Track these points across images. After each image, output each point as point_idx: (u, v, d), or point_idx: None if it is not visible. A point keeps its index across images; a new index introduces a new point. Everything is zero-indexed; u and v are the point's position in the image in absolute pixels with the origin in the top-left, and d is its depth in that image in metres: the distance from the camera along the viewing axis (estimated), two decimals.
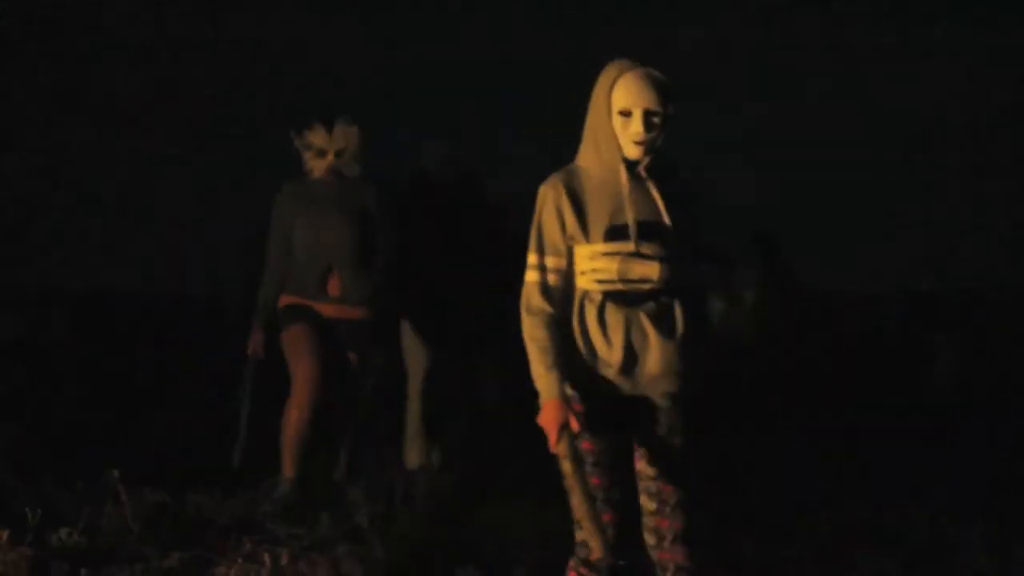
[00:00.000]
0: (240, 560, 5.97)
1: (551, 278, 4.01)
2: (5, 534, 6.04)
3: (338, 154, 6.96)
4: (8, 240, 11.21)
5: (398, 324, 7.79)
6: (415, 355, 7.81)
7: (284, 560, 6.03)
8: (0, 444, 6.53)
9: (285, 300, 7.03)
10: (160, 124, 12.48)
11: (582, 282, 4.01)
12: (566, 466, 3.95)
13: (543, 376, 3.96)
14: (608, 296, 3.98)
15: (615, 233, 3.97)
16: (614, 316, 3.97)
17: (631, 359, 3.98)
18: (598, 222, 3.98)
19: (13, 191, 11.51)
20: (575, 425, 3.96)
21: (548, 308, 3.99)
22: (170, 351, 10.27)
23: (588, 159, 4.07)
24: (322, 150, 6.95)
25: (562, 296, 4.02)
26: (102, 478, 6.66)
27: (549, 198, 4.04)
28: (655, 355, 3.98)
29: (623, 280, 3.97)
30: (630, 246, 3.97)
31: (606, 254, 3.97)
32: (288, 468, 7.03)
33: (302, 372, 6.90)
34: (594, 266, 3.98)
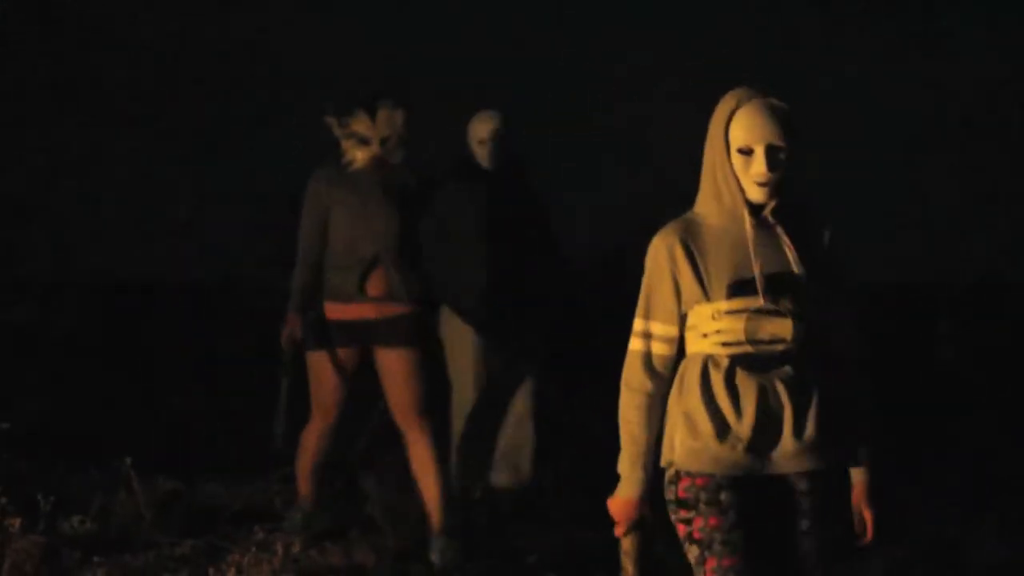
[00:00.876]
0: (253, 548, 5.97)
1: (658, 348, 3.52)
2: (17, 521, 6.04)
3: (383, 142, 6.19)
4: (17, 227, 11.21)
5: (440, 320, 7.32)
6: (465, 355, 7.33)
7: (296, 548, 6.03)
8: (12, 432, 6.51)
9: (327, 307, 6.30)
10: (164, 109, 12.47)
11: (705, 346, 3.50)
12: (626, 566, 3.58)
13: (627, 469, 3.52)
14: (736, 360, 3.47)
15: (740, 288, 3.47)
16: (744, 383, 3.46)
17: (765, 433, 3.46)
18: (721, 277, 3.48)
19: (19, 179, 11.50)
20: (641, 519, 3.55)
21: (650, 385, 3.51)
22: (181, 338, 10.26)
23: (706, 206, 3.55)
24: (366, 139, 6.19)
25: (669, 369, 3.54)
26: (114, 466, 6.66)
27: (661, 255, 3.52)
28: (794, 428, 3.47)
29: (752, 341, 3.46)
30: (758, 302, 3.47)
31: (731, 312, 3.47)
32: (305, 488, 6.51)
33: (326, 399, 6.34)
34: (718, 327, 3.48)
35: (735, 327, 3.46)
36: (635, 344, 3.53)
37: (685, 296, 3.50)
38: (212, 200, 12.12)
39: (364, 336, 6.23)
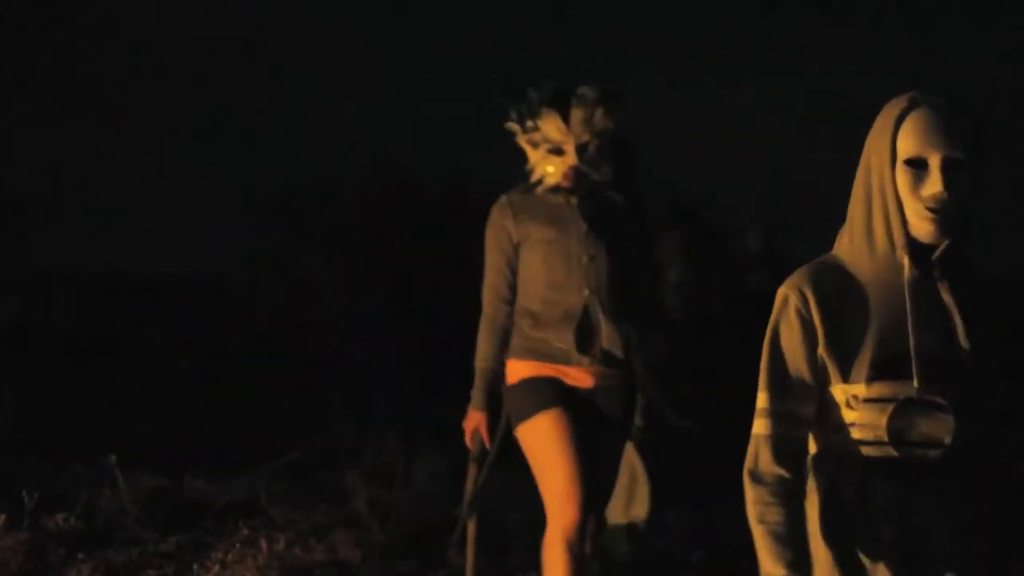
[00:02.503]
0: (238, 544, 5.97)
1: (791, 431, 2.63)
2: (2, 518, 6.05)
3: (581, 150, 4.61)
4: (7, 222, 11.20)
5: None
6: None
7: (281, 545, 6.03)
8: None
9: (518, 369, 4.66)
10: (159, 108, 12.48)
11: (834, 442, 2.63)
12: None
13: None
14: (874, 466, 2.57)
15: (888, 367, 2.55)
16: (883, 497, 2.56)
17: (909, 565, 2.57)
18: (862, 349, 2.57)
19: (10, 176, 11.51)
20: None
21: (785, 474, 2.60)
22: (168, 335, 10.26)
23: (853, 247, 2.64)
24: (558, 147, 4.61)
25: (803, 454, 2.67)
26: (99, 462, 6.65)
27: (791, 310, 2.62)
28: (945, 560, 2.57)
29: (898, 442, 2.55)
30: (910, 389, 2.55)
31: (873, 401, 2.56)
32: None
33: (563, 491, 4.55)
34: (853, 418, 2.58)
35: (877, 421, 2.56)
36: (761, 426, 2.66)
37: (820, 351, 2.62)
38: (205, 198, 12.14)
39: (577, 404, 4.59)
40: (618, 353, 4.58)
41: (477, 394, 4.70)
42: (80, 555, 5.92)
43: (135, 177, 12.37)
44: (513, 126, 4.68)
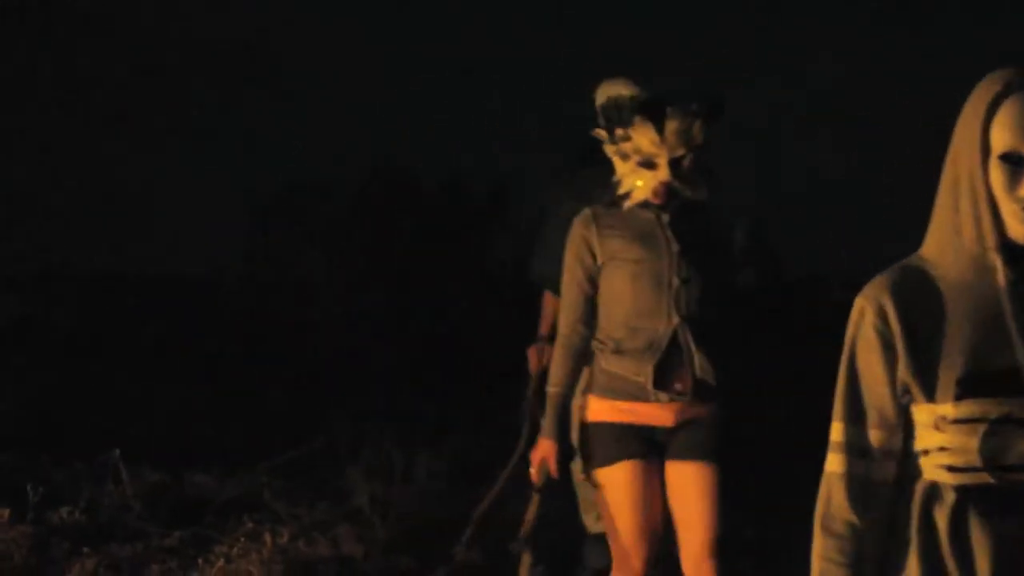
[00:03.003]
0: (241, 539, 5.99)
1: (872, 468, 2.31)
2: (6, 512, 6.06)
3: (675, 165, 4.20)
4: (8, 220, 11.23)
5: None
6: None
7: (284, 539, 6.05)
8: (1, 423, 6.53)
9: (597, 408, 4.29)
10: (157, 107, 12.50)
11: (921, 470, 2.31)
12: None
13: None
14: (968, 495, 2.24)
15: (979, 383, 2.23)
16: (978, 531, 2.24)
17: None
18: (951, 364, 2.24)
19: (9, 174, 11.53)
20: None
21: (860, 522, 2.29)
22: (170, 331, 10.28)
23: (938, 247, 2.32)
24: (649, 160, 4.20)
25: (887, 496, 2.32)
26: (102, 457, 6.67)
27: (868, 326, 2.29)
28: None
29: (993, 467, 2.23)
30: (1005, 407, 2.22)
31: (963, 421, 2.24)
32: None
33: (631, 543, 4.30)
34: (942, 441, 2.26)
35: (968, 444, 2.24)
36: (837, 463, 2.32)
37: (901, 387, 2.29)
38: (204, 197, 12.16)
39: (655, 448, 4.27)
40: (711, 384, 4.16)
41: (549, 423, 4.29)
42: (84, 549, 5.94)
43: (135, 176, 12.39)
44: (601, 134, 4.28)
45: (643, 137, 4.17)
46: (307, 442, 7.44)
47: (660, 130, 4.16)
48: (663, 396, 4.15)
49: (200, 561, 5.80)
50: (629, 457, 4.17)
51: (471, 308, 10.86)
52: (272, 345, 10.18)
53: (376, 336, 10.73)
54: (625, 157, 4.21)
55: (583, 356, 4.27)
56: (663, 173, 4.17)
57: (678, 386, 4.14)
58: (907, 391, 2.28)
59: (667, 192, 4.19)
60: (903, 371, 2.27)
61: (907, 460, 2.32)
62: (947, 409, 2.24)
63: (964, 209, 2.26)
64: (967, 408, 2.23)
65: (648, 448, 4.19)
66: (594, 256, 4.22)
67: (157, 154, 12.48)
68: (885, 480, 2.31)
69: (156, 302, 10.94)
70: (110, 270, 11.45)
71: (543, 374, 4.89)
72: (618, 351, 4.16)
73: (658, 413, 4.17)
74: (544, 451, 4.30)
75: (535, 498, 4.71)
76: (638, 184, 4.20)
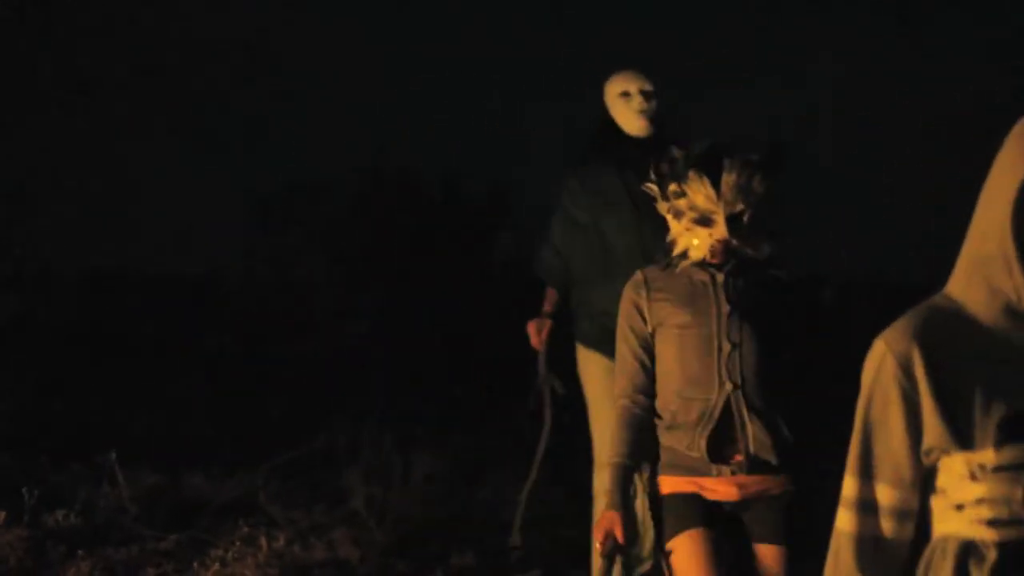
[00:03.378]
0: (237, 542, 5.97)
1: (887, 528, 2.16)
2: (2, 515, 6.05)
3: (733, 221, 3.84)
4: (7, 219, 11.21)
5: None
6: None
7: (280, 543, 6.03)
8: None
9: (664, 483, 3.97)
10: (157, 106, 12.49)
11: (959, 524, 2.12)
12: None
13: None
14: (1012, 551, 2.08)
15: (1021, 426, 2.07)
16: None
17: None
18: (988, 408, 2.08)
19: (5, 171, 11.53)
20: None
21: None
22: (166, 332, 10.27)
23: (970, 289, 2.16)
24: (706, 217, 3.86)
25: (901, 558, 2.18)
26: (98, 459, 6.65)
27: (888, 376, 2.13)
28: None
29: None
30: None
31: (1006, 468, 2.06)
32: None
33: None
34: (980, 492, 2.09)
35: (1010, 494, 2.07)
36: (847, 522, 2.19)
37: (928, 443, 2.11)
38: (203, 196, 12.15)
39: (723, 519, 3.95)
40: (769, 458, 3.81)
41: (612, 495, 3.95)
42: (79, 552, 5.92)
43: (134, 176, 12.38)
44: (653, 189, 3.93)
45: (698, 193, 3.80)
46: (305, 444, 7.42)
47: (716, 184, 3.78)
48: (722, 470, 3.78)
49: (195, 565, 5.78)
50: (694, 527, 3.82)
51: (471, 308, 10.84)
52: (271, 346, 10.17)
53: (375, 337, 10.72)
54: (679, 215, 3.85)
55: (644, 426, 3.89)
56: (720, 231, 3.79)
57: (735, 459, 3.78)
58: (932, 449, 2.10)
59: (725, 251, 3.81)
60: (931, 420, 2.08)
61: (938, 517, 2.15)
62: (987, 456, 2.06)
63: (995, 256, 2.11)
64: (1011, 453, 2.05)
65: (715, 519, 3.81)
66: (646, 322, 3.89)
67: (157, 153, 12.48)
68: (900, 541, 2.16)
69: (154, 302, 10.92)
70: (109, 269, 11.44)
71: (549, 351, 5.34)
72: (673, 424, 3.83)
73: (721, 488, 3.80)
74: (609, 522, 3.90)
75: (602, 564, 4.21)
76: (694, 243, 3.84)
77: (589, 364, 5.35)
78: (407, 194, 11.73)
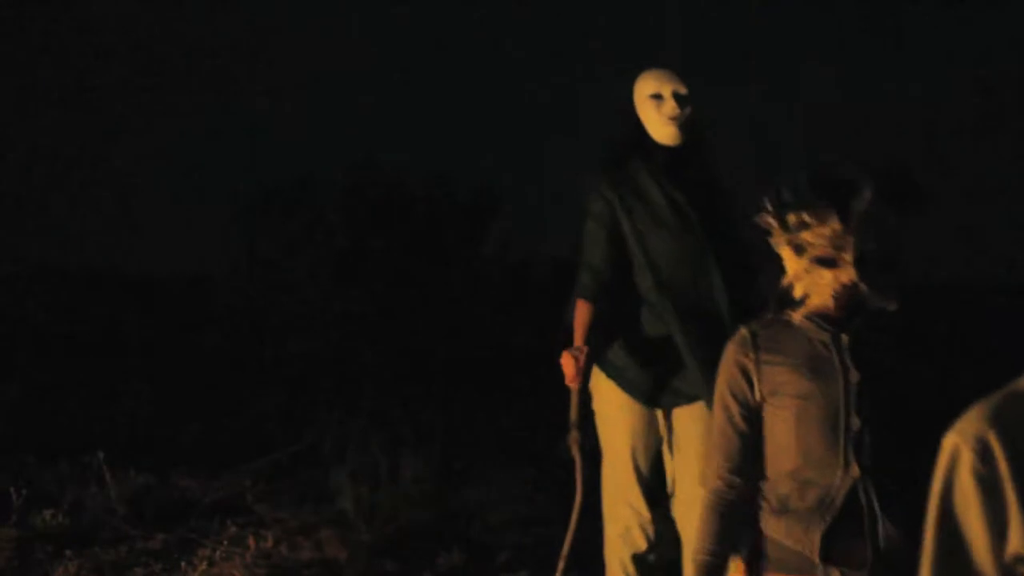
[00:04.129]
0: (225, 542, 5.98)
1: None
2: None
3: (863, 264, 3.19)
4: None
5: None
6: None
7: (268, 543, 6.04)
8: None
9: None
10: (145, 105, 12.49)
11: None
12: None
13: None
14: None
15: None
16: None
17: None
18: None
19: None
20: None
21: None
22: (154, 332, 10.27)
23: None
24: (830, 257, 3.20)
25: None
26: (86, 459, 6.66)
27: (965, 471, 1.89)
28: None
29: None
30: None
31: None
32: None
33: None
34: None
35: None
36: None
37: (1014, 544, 1.85)
38: (191, 196, 12.16)
39: None
40: (899, 562, 3.14)
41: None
42: (67, 552, 5.92)
43: (122, 175, 12.39)
44: (770, 222, 3.24)
45: (823, 227, 3.15)
46: (293, 444, 7.43)
47: (845, 217, 3.14)
48: (833, 572, 3.15)
49: (183, 564, 5.79)
50: None
51: (460, 307, 10.86)
52: (260, 346, 10.18)
53: (364, 337, 10.73)
54: (800, 251, 3.20)
55: (738, 517, 3.27)
56: (847, 273, 3.17)
57: (855, 559, 3.15)
58: (1018, 557, 1.82)
59: (849, 297, 3.20)
60: (1017, 519, 1.80)
61: None
62: None
63: None
64: None
65: None
66: (753, 389, 3.26)
67: (147, 153, 12.49)
68: None
69: (142, 302, 10.92)
70: (97, 270, 11.43)
71: (584, 389, 4.50)
72: (782, 511, 3.21)
73: None
74: None
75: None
76: (816, 287, 3.22)
77: (607, 397, 4.61)
78: (394, 194, 11.74)
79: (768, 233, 3.23)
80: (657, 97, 4.57)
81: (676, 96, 4.57)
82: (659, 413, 4.57)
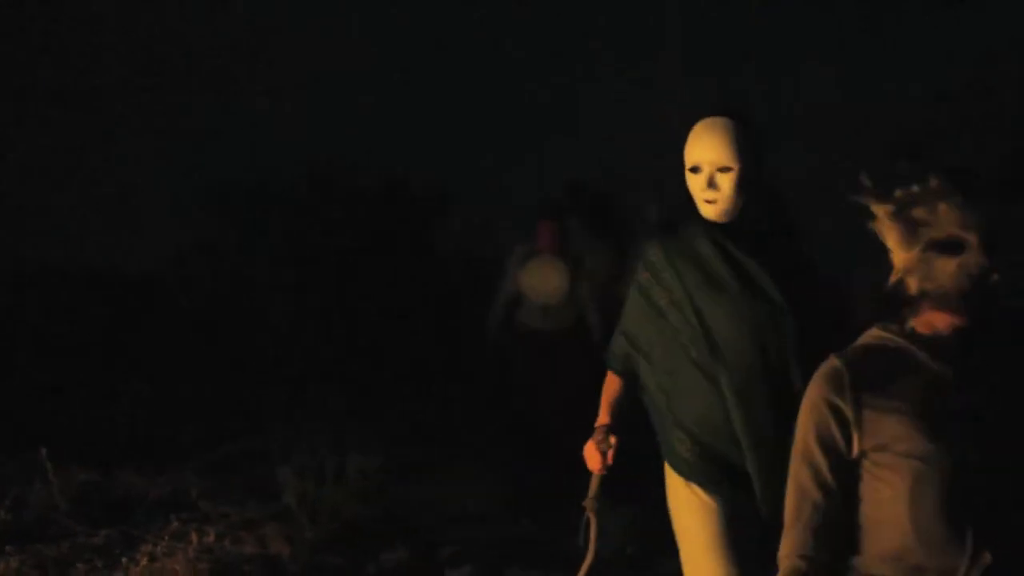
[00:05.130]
0: (167, 538, 5.97)
1: None
2: None
3: (990, 250, 2.55)
4: None
5: None
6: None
7: (211, 538, 6.03)
8: None
9: None
10: (96, 101, 12.44)
11: None
12: None
13: None
14: None
15: None
16: None
17: None
18: None
19: None
20: None
21: None
22: (103, 326, 10.21)
23: None
24: (954, 239, 2.56)
25: None
26: (29, 455, 6.63)
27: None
28: None
29: None
30: None
31: None
32: None
33: None
34: None
35: None
36: None
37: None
38: (142, 192, 12.11)
39: None
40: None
41: None
42: (8, 548, 5.90)
43: (77, 171, 12.31)
44: (879, 208, 2.60)
45: (946, 212, 2.51)
46: (238, 440, 7.43)
47: (967, 205, 2.50)
48: None
49: (124, 560, 5.78)
50: None
51: (412, 305, 10.86)
52: (204, 341, 10.14)
53: (308, 332, 10.72)
54: (913, 231, 2.52)
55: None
56: (975, 259, 2.46)
57: None
58: None
59: (984, 296, 2.45)
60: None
61: None
62: None
63: None
64: None
65: None
66: (849, 441, 2.49)
67: (101, 149, 12.42)
68: None
69: (89, 298, 10.86)
70: (41, 265, 11.36)
71: (608, 472, 3.88)
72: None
73: None
74: None
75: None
76: (934, 279, 2.50)
77: (686, 504, 3.79)
78: (346, 193, 11.73)
79: (868, 216, 2.55)
80: (695, 171, 3.73)
81: (718, 172, 3.68)
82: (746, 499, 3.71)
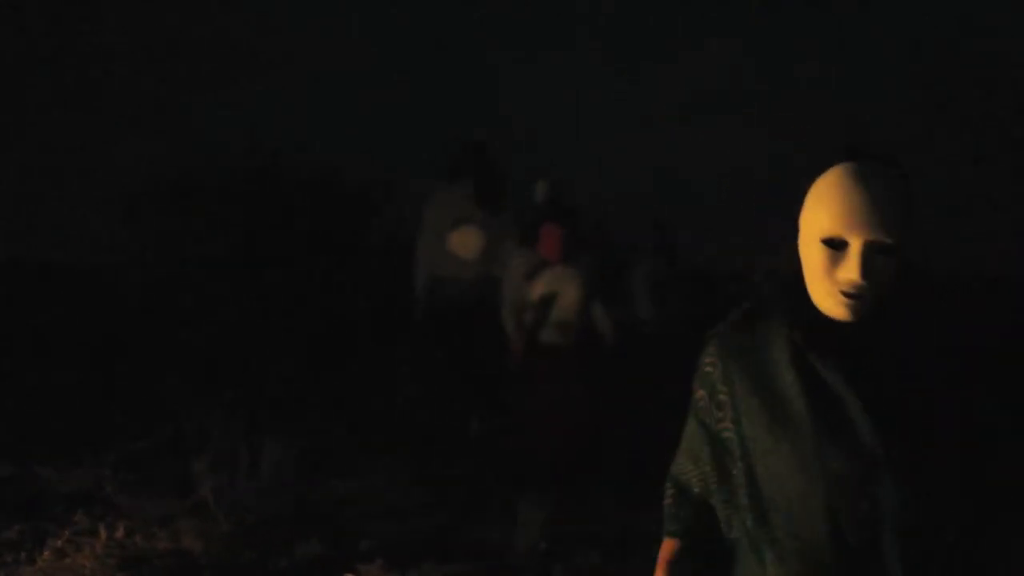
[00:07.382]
0: (69, 533, 5.94)
1: None
2: None
3: None
4: None
5: None
6: None
7: (121, 533, 6.01)
8: None
9: None
10: (43, 92, 12.36)
11: None
12: None
13: None
14: None
15: None
16: None
17: None
18: None
19: None
20: None
21: None
22: (20, 319, 10.15)
23: None
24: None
25: None
26: None
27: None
28: None
29: None
30: None
31: None
32: None
33: None
34: None
35: None
36: None
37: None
38: (78, 185, 12.04)
39: None
40: None
41: None
42: None
43: (18, 162, 12.24)
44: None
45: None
46: (154, 433, 7.39)
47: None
48: None
49: (27, 555, 5.74)
50: None
51: (339, 299, 10.84)
52: (127, 336, 10.09)
53: (224, 324, 10.68)
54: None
55: None
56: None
57: None
58: None
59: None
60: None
61: None
62: None
63: None
64: None
65: None
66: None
67: (41, 141, 12.35)
68: None
69: (9, 289, 10.80)
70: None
71: None
72: None
73: None
74: None
75: None
76: None
77: None
78: (278, 185, 11.68)
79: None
80: (833, 245, 2.30)
81: (868, 251, 2.27)
82: None
